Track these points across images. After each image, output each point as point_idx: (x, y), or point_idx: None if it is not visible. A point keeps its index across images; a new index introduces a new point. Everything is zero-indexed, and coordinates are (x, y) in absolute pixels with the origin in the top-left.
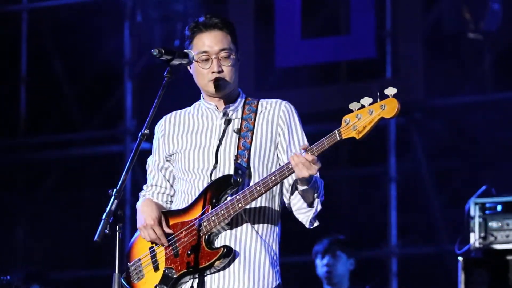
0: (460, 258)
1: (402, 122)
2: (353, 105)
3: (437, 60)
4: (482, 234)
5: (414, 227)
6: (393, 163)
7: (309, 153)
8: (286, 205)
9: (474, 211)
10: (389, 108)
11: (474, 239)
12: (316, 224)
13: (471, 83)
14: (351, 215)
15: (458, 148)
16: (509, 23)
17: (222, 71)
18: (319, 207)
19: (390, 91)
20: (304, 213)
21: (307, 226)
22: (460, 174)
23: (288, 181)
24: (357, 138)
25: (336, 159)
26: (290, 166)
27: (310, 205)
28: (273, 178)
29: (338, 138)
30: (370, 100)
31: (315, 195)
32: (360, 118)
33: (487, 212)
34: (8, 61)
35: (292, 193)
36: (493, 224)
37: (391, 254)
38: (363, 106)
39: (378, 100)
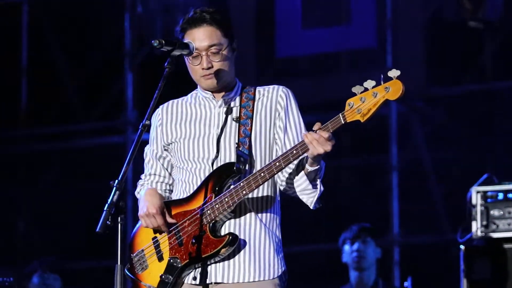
0: (462, 247)
1: (403, 111)
2: (356, 89)
3: (437, 49)
4: (484, 223)
5: (416, 216)
6: (395, 152)
7: (324, 130)
8: (280, 186)
9: (475, 199)
10: (394, 89)
11: (476, 227)
12: (319, 206)
13: (472, 72)
14: (352, 205)
15: (459, 137)
16: (510, 12)
17: (212, 67)
18: (322, 188)
19: (394, 73)
20: (308, 194)
21: (311, 207)
22: (461, 163)
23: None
24: (361, 121)
25: (337, 148)
26: (294, 151)
27: (313, 186)
28: (277, 164)
29: (343, 122)
30: (373, 83)
31: (317, 176)
32: (364, 101)
33: (488, 200)
34: (9, 53)
35: (296, 174)
36: (495, 212)
37: (393, 243)
38: (366, 89)
39: (382, 82)
